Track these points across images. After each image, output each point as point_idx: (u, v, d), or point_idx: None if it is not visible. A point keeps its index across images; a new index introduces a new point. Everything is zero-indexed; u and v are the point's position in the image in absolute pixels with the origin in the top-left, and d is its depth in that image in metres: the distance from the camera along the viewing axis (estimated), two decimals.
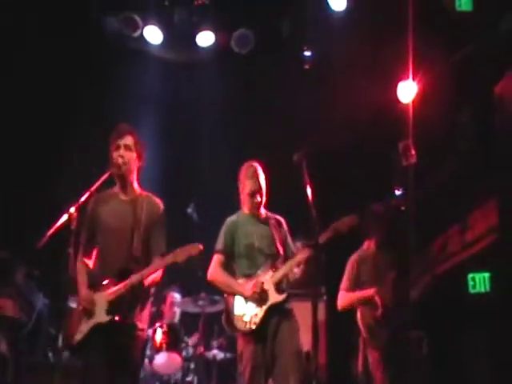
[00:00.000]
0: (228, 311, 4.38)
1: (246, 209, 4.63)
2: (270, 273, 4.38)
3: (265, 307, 4.29)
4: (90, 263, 4.12)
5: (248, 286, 4.35)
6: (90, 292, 3.95)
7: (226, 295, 4.47)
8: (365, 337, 4.99)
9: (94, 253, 4.12)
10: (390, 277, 4.97)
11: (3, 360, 4.76)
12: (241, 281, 4.42)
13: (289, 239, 4.64)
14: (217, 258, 4.53)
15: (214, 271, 4.48)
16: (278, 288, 4.34)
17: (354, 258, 5.20)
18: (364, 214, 5.15)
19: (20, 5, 6.70)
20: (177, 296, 6.60)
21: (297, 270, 4.41)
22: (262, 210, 4.63)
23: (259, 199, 4.54)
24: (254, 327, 4.26)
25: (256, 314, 4.28)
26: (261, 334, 4.26)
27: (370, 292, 4.98)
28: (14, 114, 6.76)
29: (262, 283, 4.32)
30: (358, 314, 5.05)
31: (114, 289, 3.89)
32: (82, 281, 4.02)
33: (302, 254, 4.32)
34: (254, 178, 4.53)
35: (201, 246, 3.96)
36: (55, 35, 6.86)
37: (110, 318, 3.86)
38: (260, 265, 4.43)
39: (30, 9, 6.77)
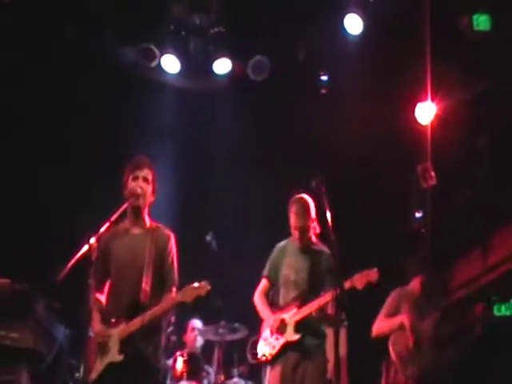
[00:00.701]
0: (258, 338, 4.54)
1: (294, 238, 4.68)
2: (294, 310, 4.40)
3: (281, 342, 4.35)
4: (103, 298, 4.12)
5: (271, 319, 4.42)
6: (104, 327, 3.94)
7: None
8: (395, 363, 4.93)
9: (106, 288, 4.12)
10: (432, 317, 4.94)
11: None
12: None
13: (329, 273, 4.48)
14: (262, 283, 4.68)
15: (256, 296, 4.65)
16: (297, 327, 4.35)
17: (395, 292, 5.16)
18: (409, 254, 5.14)
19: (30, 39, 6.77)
20: (198, 323, 6.58)
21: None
22: (311, 241, 4.62)
23: (302, 235, 4.58)
24: (269, 358, 4.37)
25: (274, 347, 4.37)
26: (281, 367, 4.32)
27: (402, 318, 4.94)
28: (33, 144, 6.84)
29: (283, 319, 4.37)
30: (390, 340, 4.98)
31: (125, 327, 3.87)
32: (95, 316, 4.02)
33: (323, 299, 4.29)
34: (298, 213, 4.57)
35: (209, 286, 3.88)
36: (70, 67, 6.95)
37: (123, 357, 3.84)
38: (292, 299, 4.47)
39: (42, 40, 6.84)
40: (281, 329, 4.34)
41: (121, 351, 3.83)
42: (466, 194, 6.03)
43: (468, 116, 6.23)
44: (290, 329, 4.33)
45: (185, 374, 5.94)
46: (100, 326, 3.96)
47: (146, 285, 3.95)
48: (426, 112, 6.61)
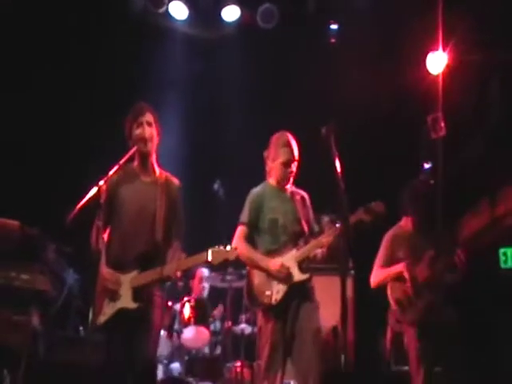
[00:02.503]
0: (250, 285, 4.37)
1: (273, 180, 4.54)
2: (294, 251, 4.32)
3: (288, 285, 4.24)
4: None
5: (273, 263, 4.29)
6: (114, 272, 3.92)
7: (248, 269, 4.45)
8: (395, 311, 4.94)
9: (108, 232, 4.09)
10: (428, 255, 4.84)
11: (35, 333, 4.83)
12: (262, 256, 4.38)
13: (311, 216, 4.56)
14: (241, 231, 4.46)
15: (239, 245, 4.36)
16: (301, 267, 4.28)
17: (389, 234, 5.05)
18: (402, 191, 5.06)
19: None
20: (205, 271, 6.65)
21: (319, 251, 4.35)
22: (288, 185, 4.54)
23: (293, 169, 4.45)
24: (274, 303, 4.22)
25: (278, 291, 4.24)
26: (281, 311, 4.22)
27: (399, 267, 4.92)
28: (44, 91, 6.81)
29: (283, 264, 4.26)
30: (388, 289, 4.99)
31: (139, 276, 3.87)
32: (103, 259, 4.00)
33: (326, 237, 4.22)
34: (289, 147, 4.44)
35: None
36: (80, 12, 6.86)
37: (138, 304, 3.85)
38: (283, 242, 4.36)
39: None
40: (288, 272, 4.24)
41: (135, 298, 3.85)
42: (477, 145, 5.98)
43: (479, 65, 6.14)
44: (295, 270, 4.26)
45: (192, 319, 6.02)
46: (108, 270, 3.94)
47: (158, 236, 3.96)
48: (437, 62, 6.53)
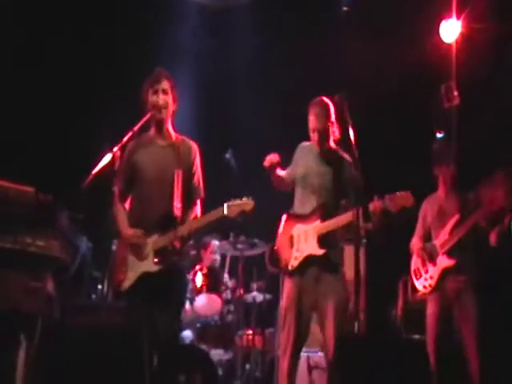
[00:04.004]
0: (272, 248, 4.43)
1: (315, 144, 4.49)
2: (318, 222, 4.26)
3: (304, 254, 4.24)
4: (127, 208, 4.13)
5: (295, 229, 4.32)
6: (137, 230, 3.95)
7: (280, 231, 4.42)
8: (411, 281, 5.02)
9: (129, 199, 4.11)
10: (452, 220, 4.89)
11: (50, 299, 4.86)
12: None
13: (351, 186, 4.22)
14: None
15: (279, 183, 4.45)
16: (321, 241, 4.21)
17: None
18: (431, 157, 5.08)
19: None
20: (217, 244, 6.65)
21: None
22: (331, 146, 4.43)
23: (321, 138, 4.38)
24: (290, 269, 4.25)
25: (296, 258, 4.25)
26: (299, 278, 4.24)
27: (418, 245, 5.02)
28: (57, 57, 6.80)
29: (306, 232, 4.25)
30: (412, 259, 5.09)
31: (160, 238, 3.89)
32: (122, 220, 4.03)
33: (348, 216, 4.07)
34: (318, 115, 4.38)
35: (252, 202, 3.83)
36: None
37: (160, 267, 3.86)
38: (312, 207, 4.31)
39: None
40: (305, 239, 4.24)
41: (157, 261, 3.87)
42: (491, 116, 5.93)
43: (494, 34, 6.07)
44: (313, 242, 4.22)
45: (204, 287, 6.06)
46: (132, 229, 3.97)
47: (177, 200, 3.95)
48: (450, 30, 6.47)
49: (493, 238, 4.70)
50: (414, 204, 4.09)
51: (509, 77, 5.90)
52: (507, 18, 6.05)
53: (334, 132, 4.42)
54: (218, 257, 6.71)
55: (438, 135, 6.23)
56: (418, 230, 5.15)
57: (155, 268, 3.87)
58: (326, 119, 4.39)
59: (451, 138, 5.94)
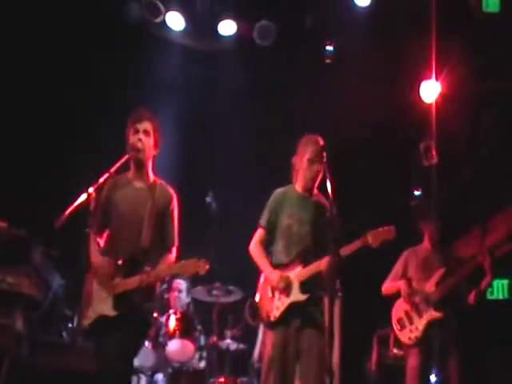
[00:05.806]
0: (253, 300, 4.42)
1: (298, 184, 4.36)
2: (299, 269, 4.17)
3: (286, 303, 4.13)
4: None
5: (274, 274, 4.18)
6: (104, 257, 3.88)
7: (260, 282, 4.33)
8: (394, 333, 5.04)
9: (104, 237, 4.05)
10: (438, 273, 4.99)
11: (19, 337, 4.72)
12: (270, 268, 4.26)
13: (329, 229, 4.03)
14: (259, 233, 4.35)
15: (253, 246, 4.32)
16: (303, 287, 4.11)
17: (407, 250, 5.26)
18: (414, 212, 5.19)
19: None
20: (182, 283, 6.47)
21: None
22: (314, 190, 4.33)
23: (320, 169, 4.21)
24: (272, 320, 4.14)
25: (277, 308, 4.14)
26: (281, 329, 4.13)
27: (399, 284, 5.07)
28: (35, 93, 6.71)
29: (288, 277, 4.14)
30: (393, 309, 5.12)
31: (121, 283, 3.81)
32: (94, 250, 3.94)
33: (323, 262, 4.01)
34: (317, 144, 4.25)
35: (208, 266, 3.78)
36: (76, 18, 6.81)
37: (117, 313, 3.78)
38: (294, 255, 4.21)
39: None
40: (286, 288, 4.11)
41: (114, 307, 3.77)
42: (469, 174, 6.07)
43: (473, 95, 6.26)
44: (295, 288, 4.11)
45: (177, 331, 5.91)
46: (101, 256, 3.89)
47: (144, 240, 3.89)
48: (430, 90, 6.64)
49: (471, 298, 4.81)
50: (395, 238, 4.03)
51: (486, 140, 6.06)
52: (485, 80, 6.24)
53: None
54: (183, 297, 6.49)
55: (416, 193, 6.34)
56: (395, 276, 5.20)
57: (112, 313, 3.78)
58: (323, 160, 4.20)
59: (430, 195, 6.05)
